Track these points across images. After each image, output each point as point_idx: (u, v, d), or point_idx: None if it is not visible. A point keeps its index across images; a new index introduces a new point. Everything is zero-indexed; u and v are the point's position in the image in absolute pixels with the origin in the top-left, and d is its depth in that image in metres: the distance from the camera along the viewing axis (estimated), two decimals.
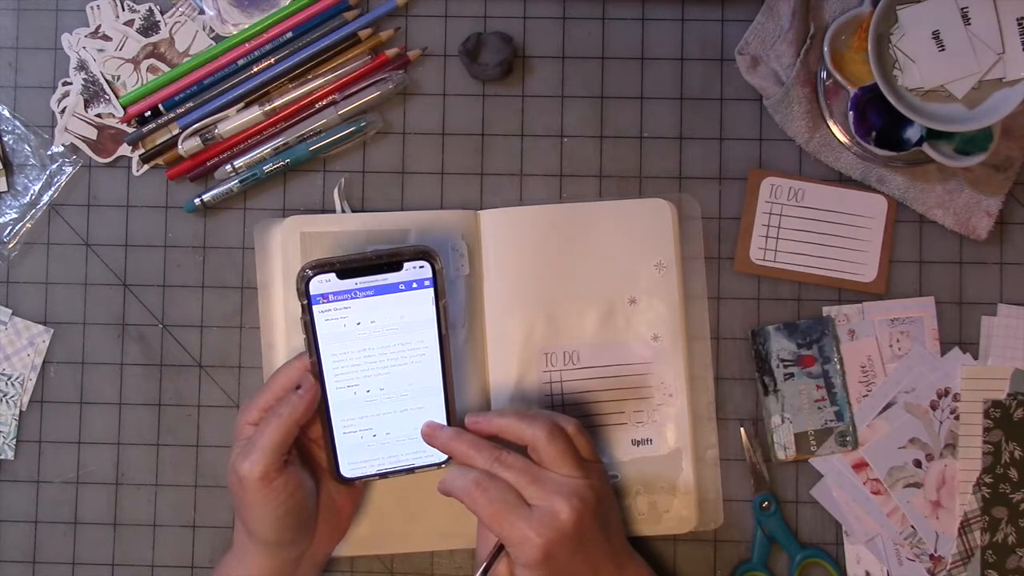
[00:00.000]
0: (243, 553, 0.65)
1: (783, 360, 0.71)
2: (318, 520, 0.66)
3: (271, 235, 0.71)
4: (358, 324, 0.63)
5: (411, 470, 0.66)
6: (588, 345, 0.71)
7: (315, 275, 0.61)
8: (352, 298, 0.62)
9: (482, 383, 0.71)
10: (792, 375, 0.71)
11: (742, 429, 0.72)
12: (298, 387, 0.63)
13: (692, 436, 0.71)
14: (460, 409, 0.66)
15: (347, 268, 0.61)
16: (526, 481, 0.60)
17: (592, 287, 0.71)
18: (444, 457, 0.66)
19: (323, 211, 0.73)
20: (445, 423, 0.65)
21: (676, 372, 0.71)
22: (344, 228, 0.71)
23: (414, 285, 0.63)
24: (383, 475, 0.66)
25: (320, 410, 0.64)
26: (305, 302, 0.61)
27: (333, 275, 0.61)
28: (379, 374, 0.64)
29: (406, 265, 0.62)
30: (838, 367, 0.71)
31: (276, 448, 0.61)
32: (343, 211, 0.72)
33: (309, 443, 0.67)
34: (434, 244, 0.67)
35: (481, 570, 0.61)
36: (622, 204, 0.72)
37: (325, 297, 0.62)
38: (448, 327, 0.64)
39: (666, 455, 0.71)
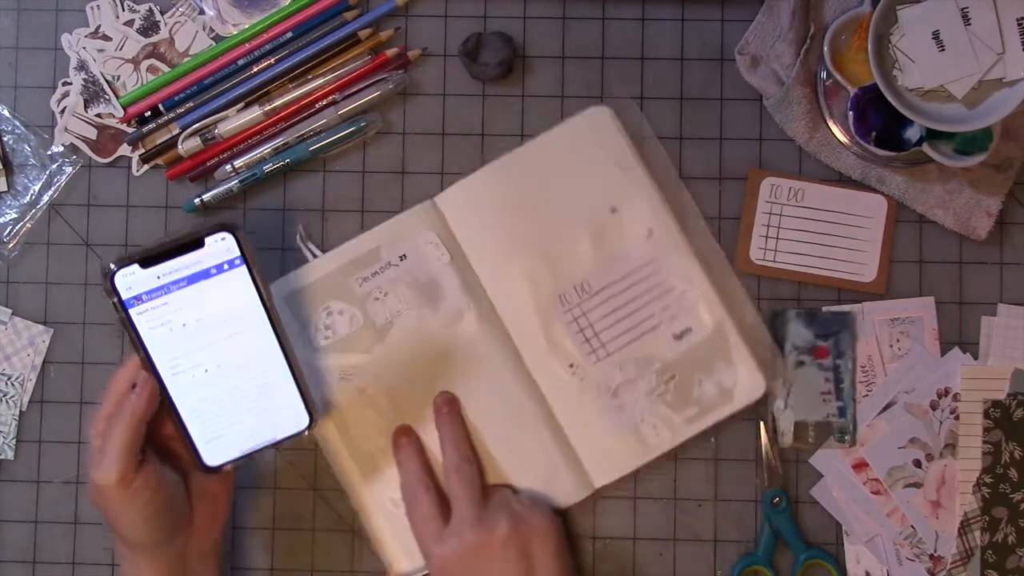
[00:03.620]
0: (128, 565, 0.64)
1: (797, 347, 0.71)
2: (193, 511, 0.66)
3: None
4: (184, 325, 0.62)
5: (275, 444, 0.65)
6: (592, 270, 0.71)
7: (118, 269, 0.60)
8: (166, 293, 0.61)
9: (512, 351, 0.71)
10: (803, 363, 0.71)
11: (761, 423, 0.71)
12: (134, 386, 0.63)
13: (726, 305, 0.70)
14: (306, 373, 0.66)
15: (149, 256, 0.60)
16: (465, 495, 0.66)
17: (570, 215, 0.71)
18: (305, 424, 0.65)
19: (322, 211, 0.73)
20: (294, 388, 0.64)
21: (683, 254, 0.71)
22: (320, 274, 0.71)
23: (225, 267, 0.61)
24: (248, 455, 0.65)
25: (166, 405, 0.63)
26: (115, 300, 0.60)
27: (136, 266, 0.60)
28: (212, 352, 0.63)
29: (207, 241, 0.61)
30: (850, 364, 0.71)
31: (126, 450, 0.61)
32: (312, 256, 0.72)
33: (165, 440, 0.65)
34: (409, 246, 0.68)
35: None
36: (562, 128, 0.72)
37: (139, 299, 0.61)
38: (269, 294, 0.63)
39: (710, 334, 0.70)
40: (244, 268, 0.62)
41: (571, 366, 0.71)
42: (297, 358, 0.65)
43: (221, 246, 0.61)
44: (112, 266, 0.60)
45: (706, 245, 0.72)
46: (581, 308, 0.71)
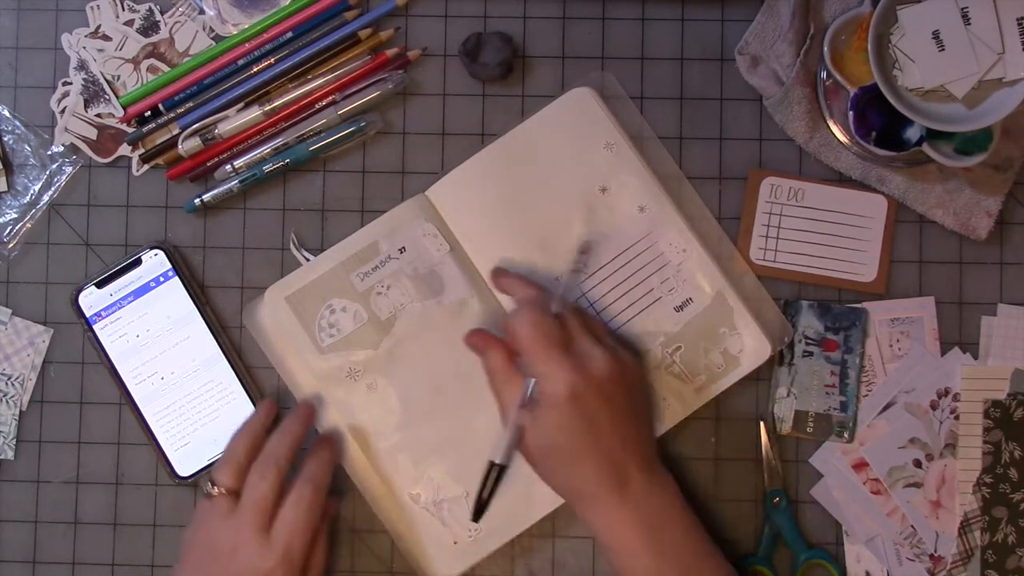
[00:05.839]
0: None
1: (807, 337, 0.71)
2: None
3: (260, 315, 0.71)
4: (137, 336, 0.71)
5: None
6: None
7: (80, 292, 0.71)
8: (119, 308, 0.71)
9: None
10: (811, 354, 0.71)
11: (762, 423, 0.71)
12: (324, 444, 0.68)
13: (723, 272, 0.71)
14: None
15: (103, 277, 0.71)
16: (581, 330, 0.64)
17: (561, 198, 0.71)
18: None
19: (322, 210, 0.73)
20: (243, 392, 0.71)
21: (677, 227, 0.71)
22: (319, 272, 0.70)
23: (160, 279, 0.71)
24: (214, 464, 0.70)
25: (136, 415, 0.71)
26: (83, 320, 0.71)
27: (93, 287, 0.71)
28: (164, 359, 0.71)
29: (144, 258, 0.71)
30: (858, 360, 0.71)
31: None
32: (306, 260, 0.72)
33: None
34: (407, 238, 0.70)
35: (506, 442, 0.64)
36: (546, 111, 0.72)
37: (99, 315, 0.71)
38: (205, 301, 0.72)
39: (711, 303, 0.71)
40: (177, 279, 0.71)
41: None
42: (241, 363, 0.71)
43: (155, 261, 0.71)
44: (75, 292, 0.71)
45: (700, 216, 0.72)
46: (580, 288, 0.71)
